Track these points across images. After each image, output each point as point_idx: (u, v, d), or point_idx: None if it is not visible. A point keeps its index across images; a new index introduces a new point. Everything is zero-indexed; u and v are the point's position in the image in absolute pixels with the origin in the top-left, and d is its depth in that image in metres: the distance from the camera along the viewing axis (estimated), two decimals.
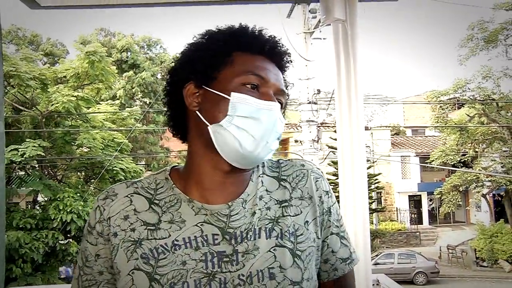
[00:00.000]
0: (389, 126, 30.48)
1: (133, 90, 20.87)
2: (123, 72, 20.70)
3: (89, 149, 12.60)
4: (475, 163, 21.38)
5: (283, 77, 1.00)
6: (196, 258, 0.88)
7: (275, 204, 0.96)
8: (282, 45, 0.99)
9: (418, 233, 25.27)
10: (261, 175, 0.99)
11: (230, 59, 0.93)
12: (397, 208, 27.33)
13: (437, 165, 21.13)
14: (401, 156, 27.03)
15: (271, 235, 0.91)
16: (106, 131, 13.07)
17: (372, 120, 30.54)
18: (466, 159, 21.85)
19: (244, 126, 0.89)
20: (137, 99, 21.40)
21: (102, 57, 12.53)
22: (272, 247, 0.90)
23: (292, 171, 1.01)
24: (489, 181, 20.83)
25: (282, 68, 1.00)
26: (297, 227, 0.94)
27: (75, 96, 11.62)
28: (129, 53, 21.85)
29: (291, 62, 1.01)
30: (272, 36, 0.98)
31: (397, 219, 26.69)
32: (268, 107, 0.91)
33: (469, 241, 22.29)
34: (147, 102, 20.77)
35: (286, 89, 1.00)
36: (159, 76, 22.10)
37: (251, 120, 0.89)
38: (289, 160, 1.04)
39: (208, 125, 0.91)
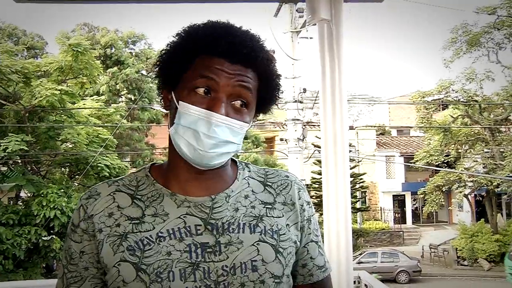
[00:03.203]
0: (374, 126, 30.73)
1: (117, 86, 20.58)
2: (107, 68, 20.39)
3: (73, 145, 12.45)
4: (458, 164, 21.65)
5: (264, 72, 0.97)
6: (181, 249, 0.91)
7: (260, 204, 1.01)
8: (252, 42, 0.95)
9: (401, 233, 25.55)
10: (247, 177, 1.04)
11: (192, 65, 0.94)
12: (381, 208, 27.59)
13: (421, 165, 21.36)
14: (386, 156, 27.29)
15: (255, 231, 0.96)
16: (91, 126, 12.93)
17: (357, 120, 30.78)
18: (449, 160, 22.13)
19: (184, 135, 0.92)
20: (122, 95, 21.15)
21: (86, 49, 12.32)
22: (255, 242, 0.95)
23: (277, 179, 1.06)
24: (471, 181, 21.12)
25: (253, 66, 0.95)
26: (280, 227, 0.99)
27: (59, 90, 11.45)
28: (113, 49, 21.51)
29: (262, 58, 0.95)
30: (243, 34, 0.95)
31: (381, 219, 26.96)
32: (206, 117, 0.90)
33: (451, 240, 22.58)
34: (132, 99, 20.54)
35: (267, 82, 0.98)
36: (144, 73, 21.82)
37: (190, 130, 0.91)
38: (275, 170, 1.09)
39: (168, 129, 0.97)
